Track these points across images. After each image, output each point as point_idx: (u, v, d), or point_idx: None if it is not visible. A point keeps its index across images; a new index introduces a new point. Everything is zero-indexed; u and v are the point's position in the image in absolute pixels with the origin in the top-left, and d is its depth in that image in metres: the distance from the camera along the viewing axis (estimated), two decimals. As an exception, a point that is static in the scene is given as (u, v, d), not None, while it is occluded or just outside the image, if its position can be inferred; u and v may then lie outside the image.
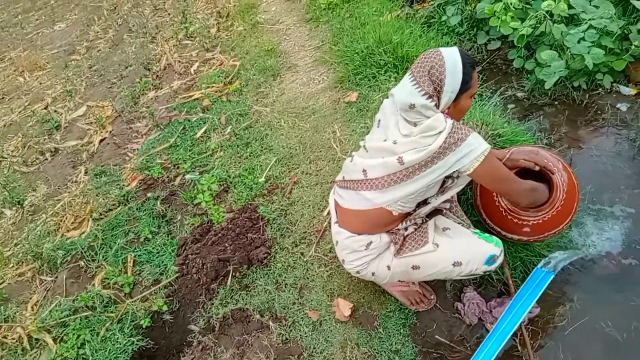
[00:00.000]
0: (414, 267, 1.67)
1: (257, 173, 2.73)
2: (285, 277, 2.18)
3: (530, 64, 2.86)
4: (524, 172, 1.82)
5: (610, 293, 1.88)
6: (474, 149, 1.47)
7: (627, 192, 2.17)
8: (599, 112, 2.55)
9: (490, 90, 2.89)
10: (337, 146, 2.73)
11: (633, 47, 2.53)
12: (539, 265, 1.87)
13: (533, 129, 2.55)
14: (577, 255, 1.95)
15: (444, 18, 3.33)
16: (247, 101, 3.32)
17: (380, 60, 3.09)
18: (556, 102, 2.70)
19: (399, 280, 1.83)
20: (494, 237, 1.68)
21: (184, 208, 2.69)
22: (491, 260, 1.64)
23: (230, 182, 2.73)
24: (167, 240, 2.51)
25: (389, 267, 1.71)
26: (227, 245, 2.34)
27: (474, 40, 3.22)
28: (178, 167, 2.95)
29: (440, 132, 1.47)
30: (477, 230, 1.74)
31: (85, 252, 2.49)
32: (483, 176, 1.55)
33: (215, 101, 3.43)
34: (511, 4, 2.84)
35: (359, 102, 2.97)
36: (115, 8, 5.93)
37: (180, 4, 5.17)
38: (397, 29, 3.29)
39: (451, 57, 1.49)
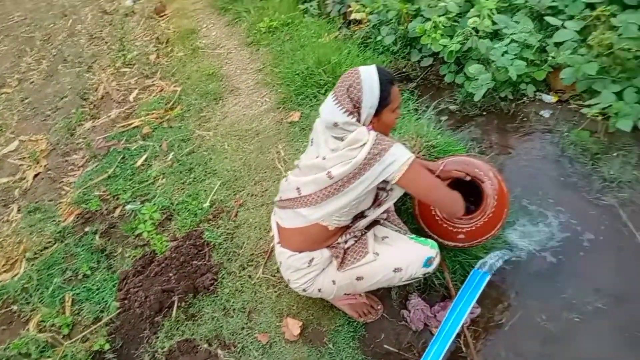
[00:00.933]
0: (358, 278, 1.69)
1: (201, 198, 2.68)
2: (233, 302, 2.14)
3: (460, 78, 3.00)
4: (457, 183, 1.90)
5: (543, 288, 1.97)
6: (398, 158, 1.53)
7: (553, 192, 2.30)
8: (525, 119, 2.71)
9: (425, 105, 3.01)
10: (281, 166, 2.75)
11: (550, 58, 2.73)
12: (476, 267, 1.94)
13: (465, 138, 2.67)
14: (510, 255, 2.05)
15: (379, 38, 3.45)
16: (189, 126, 3.29)
17: (320, 80, 3.16)
18: (486, 113, 2.85)
19: (346, 294, 1.84)
20: (429, 240, 1.75)
21: (125, 240, 2.60)
22: (428, 262, 1.69)
23: (174, 210, 2.67)
24: (108, 275, 2.41)
25: (334, 282, 1.72)
26: (171, 275, 2.27)
27: (408, 58, 3.34)
28: (118, 198, 2.86)
29: (364, 144, 1.52)
30: (414, 236, 1.79)
31: (18, 295, 2.34)
32: (409, 184, 1.59)
33: (155, 128, 3.37)
34: (440, 22, 2.99)
35: (302, 122, 3.01)
36: (49, 38, 5.73)
37: (117, 32, 5.07)
38: (336, 49, 3.38)
39: (368, 75, 1.55)
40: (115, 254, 2.54)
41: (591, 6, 2.83)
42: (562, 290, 1.95)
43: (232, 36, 4.25)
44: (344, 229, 1.72)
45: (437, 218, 1.90)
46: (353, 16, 3.62)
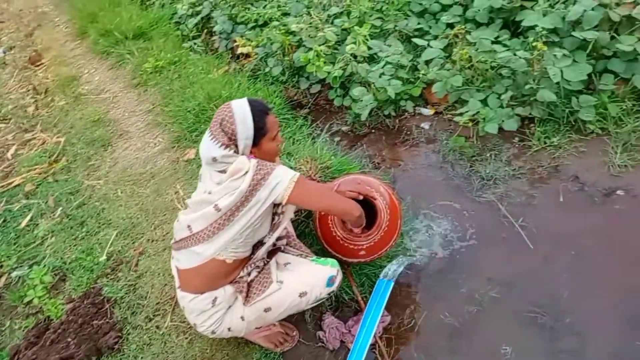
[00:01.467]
0: (266, 310, 1.68)
1: (97, 252, 2.51)
2: (141, 357, 2.01)
3: (347, 101, 3.17)
4: None
5: (443, 286, 2.10)
6: (283, 179, 1.56)
7: (441, 196, 2.49)
8: (409, 133, 2.92)
9: (319, 129, 3.14)
10: (181, 206, 2.67)
11: (422, 75, 2.99)
12: (380, 277, 2.02)
13: (360, 156, 2.82)
14: (410, 259, 2.17)
15: (267, 70, 3.54)
16: (77, 177, 3.09)
17: (213, 115, 3.13)
18: (374, 130, 3.02)
19: (257, 327, 1.82)
20: (329, 259, 1.79)
21: (13, 311, 2.35)
22: (331, 281, 1.73)
23: (67, 269, 2.47)
24: (-5, 354, 2.16)
25: (242, 318, 1.69)
26: (69, 340, 2.09)
27: (298, 86, 3.46)
28: (1, 266, 2.59)
29: (246, 172, 1.54)
30: (314, 257, 1.83)
31: None
32: (300, 199, 1.62)
33: (40, 184, 3.12)
34: (321, 51, 3.15)
35: (199, 159, 2.93)
36: None
37: (-14, 86, 4.65)
38: (226, 83, 3.41)
39: (240, 108, 1.59)
40: (3, 329, 2.29)
41: (451, 26, 3.18)
42: (460, 285, 2.10)
43: (117, 79, 4.10)
44: (245, 261, 1.71)
45: (337, 238, 1.96)
46: (240, 50, 3.68)
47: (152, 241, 2.51)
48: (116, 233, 2.58)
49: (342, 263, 2.07)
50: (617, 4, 2.56)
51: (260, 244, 1.73)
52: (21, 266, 2.56)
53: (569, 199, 2.33)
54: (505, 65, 2.76)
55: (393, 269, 2.03)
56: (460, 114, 2.84)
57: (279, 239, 1.78)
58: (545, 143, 2.58)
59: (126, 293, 2.27)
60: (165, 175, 2.93)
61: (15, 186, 3.18)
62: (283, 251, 1.85)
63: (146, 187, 2.88)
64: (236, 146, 1.59)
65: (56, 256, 2.54)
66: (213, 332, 1.71)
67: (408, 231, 2.31)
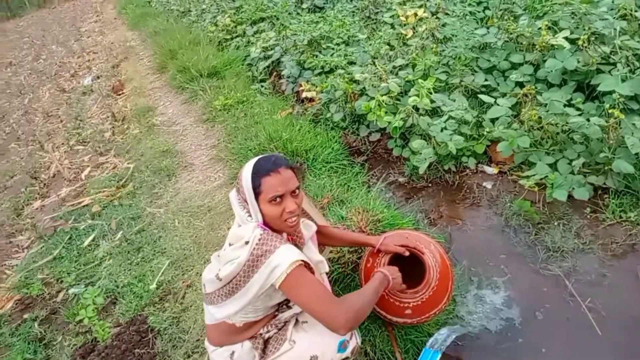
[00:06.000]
0: None
1: (148, 280, 2.58)
2: (175, 394, 2.00)
3: (406, 152, 3.14)
4: (398, 257, 1.90)
5: (495, 364, 1.95)
6: (282, 263, 1.42)
7: (500, 262, 2.34)
8: (469, 190, 2.82)
9: (376, 177, 3.11)
10: (232, 243, 2.70)
11: (486, 132, 2.90)
12: (427, 346, 1.90)
13: (415, 210, 2.74)
14: (461, 330, 2.02)
15: (328, 115, 3.60)
16: (141, 204, 3.24)
17: (273, 155, 3.21)
18: (432, 184, 2.95)
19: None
20: None
21: (66, 327, 2.44)
22: (342, 346, 1.59)
23: (119, 293, 2.55)
24: (43, 367, 2.24)
25: None
26: (111, 366, 2.12)
27: (357, 133, 3.49)
28: (61, 282, 2.73)
29: (246, 243, 1.45)
30: None
31: None
32: (288, 292, 1.44)
33: (106, 206, 3.31)
34: (383, 101, 3.17)
35: (254, 197, 3.02)
36: (3, 117, 5.68)
37: (73, 110, 5.09)
38: (288, 125, 3.50)
39: (246, 168, 1.52)
40: (54, 343, 2.37)
41: (520, 85, 3.09)
42: (515, 366, 1.93)
43: (189, 114, 4.34)
44: (269, 318, 1.64)
45: (382, 293, 1.87)
46: (304, 94, 3.79)
47: (201, 275, 2.54)
48: (168, 262, 2.65)
49: (386, 324, 1.98)
50: None
51: (287, 305, 1.65)
52: (78, 284, 2.67)
53: (645, 282, 2.11)
54: (577, 130, 2.62)
55: (442, 338, 1.90)
56: (527, 177, 2.71)
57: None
58: (620, 217, 2.39)
59: (170, 325, 2.29)
60: (221, 210, 3.01)
61: (83, 206, 3.40)
62: None
63: (202, 219, 2.96)
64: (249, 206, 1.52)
65: (111, 279, 2.64)
66: None
67: (461, 298, 2.18)
